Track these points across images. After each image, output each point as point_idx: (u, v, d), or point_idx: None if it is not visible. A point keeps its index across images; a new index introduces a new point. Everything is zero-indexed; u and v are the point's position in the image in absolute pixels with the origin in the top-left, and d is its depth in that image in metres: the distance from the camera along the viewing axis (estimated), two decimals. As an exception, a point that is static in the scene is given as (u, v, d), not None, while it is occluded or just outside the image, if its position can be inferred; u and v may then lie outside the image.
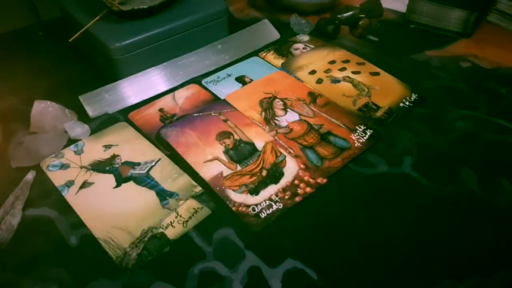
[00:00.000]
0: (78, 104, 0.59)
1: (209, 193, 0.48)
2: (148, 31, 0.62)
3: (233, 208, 0.47)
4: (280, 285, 0.40)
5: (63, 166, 0.52)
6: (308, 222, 0.46)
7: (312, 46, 0.72)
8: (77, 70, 0.68)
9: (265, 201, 0.47)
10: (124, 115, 0.59)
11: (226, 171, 0.51)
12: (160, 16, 0.65)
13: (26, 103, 0.59)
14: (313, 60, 0.69)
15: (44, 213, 0.47)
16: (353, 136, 0.55)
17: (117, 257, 0.42)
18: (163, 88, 0.63)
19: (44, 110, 0.55)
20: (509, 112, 0.59)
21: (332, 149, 0.53)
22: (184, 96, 0.62)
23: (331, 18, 0.77)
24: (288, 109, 0.59)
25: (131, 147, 0.54)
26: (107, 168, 0.51)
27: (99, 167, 0.51)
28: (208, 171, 0.51)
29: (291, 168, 0.51)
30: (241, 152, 0.53)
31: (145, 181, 0.50)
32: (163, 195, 0.48)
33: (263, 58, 0.70)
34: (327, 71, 0.67)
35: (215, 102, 0.61)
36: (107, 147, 0.54)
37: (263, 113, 0.59)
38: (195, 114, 0.59)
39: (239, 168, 0.51)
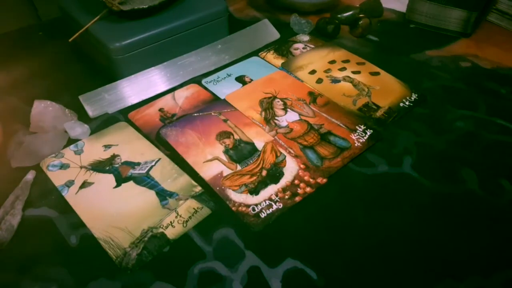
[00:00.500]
0: (78, 104, 0.59)
1: (209, 193, 0.48)
2: (148, 31, 0.62)
3: (233, 208, 0.47)
4: (280, 285, 0.40)
5: (63, 166, 0.52)
6: (308, 222, 0.46)
7: (312, 46, 0.72)
8: (77, 70, 0.68)
9: (265, 201, 0.47)
10: (124, 115, 0.59)
11: (226, 171, 0.51)
12: (160, 16, 0.65)
13: (26, 103, 0.59)
14: (313, 60, 0.69)
15: (44, 213, 0.47)
16: (353, 136, 0.55)
17: (117, 257, 0.42)
18: (163, 88, 0.63)
19: (44, 110, 0.55)
20: (509, 112, 0.59)
21: (332, 149, 0.53)
22: (184, 96, 0.62)
23: (331, 18, 0.77)
24: (288, 109, 0.59)
25: (131, 147, 0.54)
26: (107, 168, 0.51)
27: (99, 167, 0.51)
28: (208, 171, 0.51)
29: (291, 168, 0.51)
30: (241, 152, 0.53)
31: (145, 181, 0.50)
32: (163, 195, 0.48)
33: (263, 58, 0.70)
34: (327, 71, 0.67)
35: (215, 102, 0.61)
36: (107, 147, 0.54)
37: (263, 113, 0.59)
38: (195, 114, 0.59)
39: (239, 168, 0.51)
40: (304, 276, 0.41)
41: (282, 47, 0.72)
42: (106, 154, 0.53)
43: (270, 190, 0.48)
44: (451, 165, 0.52)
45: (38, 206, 0.47)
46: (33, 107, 0.54)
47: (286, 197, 0.48)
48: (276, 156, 0.52)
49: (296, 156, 0.52)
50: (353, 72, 0.66)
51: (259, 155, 0.53)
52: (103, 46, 0.60)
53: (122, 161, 0.52)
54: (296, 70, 0.67)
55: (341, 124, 0.57)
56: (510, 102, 0.61)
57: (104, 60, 0.63)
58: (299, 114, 0.59)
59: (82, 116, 0.58)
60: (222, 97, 0.62)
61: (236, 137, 0.55)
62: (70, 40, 0.62)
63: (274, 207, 0.47)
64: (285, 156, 0.52)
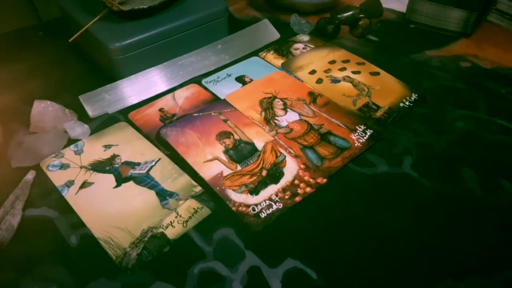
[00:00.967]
0: (78, 104, 0.59)
1: (209, 193, 0.48)
2: (148, 31, 0.62)
3: (233, 208, 0.47)
4: (280, 285, 0.40)
5: (63, 166, 0.52)
6: (308, 222, 0.46)
7: (312, 46, 0.72)
8: (77, 70, 0.68)
9: (265, 201, 0.47)
10: (124, 115, 0.59)
11: (226, 171, 0.51)
12: (160, 16, 0.65)
13: (26, 103, 0.59)
14: (313, 60, 0.69)
15: (44, 213, 0.47)
16: (353, 136, 0.55)
17: (117, 257, 0.42)
18: (163, 88, 0.63)
19: (44, 110, 0.55)
20: (509, 112, 0.59)
21: (332, 149, 0.53)
22: (184, 96, 0.62)
23: (331, 18, 0.77)
24: (288, 109, 0.59)
25: (131, 147, 0.54)
26: (107, 168, 0.51)
27: (99, 167, 0.51)
28: (208, 171, 0.51)
29: (291, 168, 0.51)
30: (241, 152, 0.53)
31: (145, 181, 0.50)
32: (163, 195, 0.48)
33: (263, 58, 0.70)
34: (327, 71, 0.67)
35: (215, 102, 0.61)
36: (107, 147, 0.54)
37: (263, 113, 0.59)
38: (195, 114, 0.59)
39: (239, 168, 0.51)
40: (304, 276, 0.41)
41: (282, 47, 0.72)
42: (106, 154, 0.53)
43: (270, 190, 0.48)
44: (451, 165, 0.52)
45: (38, 206, 0.47)
46: (33, 107, 0.54)
47: (286, 197, 0.48)
48: (276, 156, 0.52)
49: (296, 156, 0.52)
50: (353, 72, 0.66)
51: (259, 155, 0.53)
52: (103, 46, 0.60)
53: (122, 161, 0.52)
54: (296, 70, 0.67)
55: (341, 124, 0.57)
56: (510, 102, 0.61)
57: (104, 60, 0.63)
58: (299, 114, 0.59)
59: (82, 116, 0.58)
60: (222, 97, 0.62)
61: (236, 137, 0.55)
62: (70, 40, 0.62)
63: (274, 207, 0.47)
64: (285, 156, 0.52)
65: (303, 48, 0.72)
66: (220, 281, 0.41)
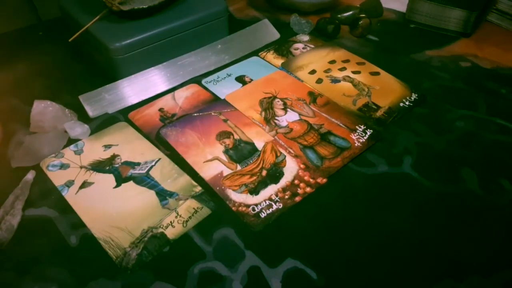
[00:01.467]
0: (78, 104, 0.59)
1: (209, 193, 0.48)
2: (148, 31, 0.62)
3: (233, 208, 0.47)
4: (280, 285, 0.40)
5: (63, 166, 0.52)
6: (308, 222, 0.46)
7: (312, 46, 0.72)
8: (77, 70, 0.68)
9: (265, 201, 0.47)
10: (124, 115, 0.59)
11: (226, 171, 0.51)
12: (160, 16, 0.65)
13: (26, 103, 0.59)
14: (313, 60, 0.69)
15: (44, 213, 0.47)
16: (353, 136, 0.55)
17: (117, 257, 0.42)
18: (163, 88, 0.63)
19: (44, 110, 0.55)
20: (509, 112, 0.59)
21: (332, 149, 0.53)
22: (184, 96, 0.62)
23: (331, 18, 0.77)
24: (288, 109, 0.59)
25: (131, 147, 0.54)
26: (107, 168, 0.51)
27: (99, 167, 0.51)
28: (208, 171, 0.51)
29: (291, 168, 0.51)
30: (241, 152, 0.53)
31: (145, 181, 0.50)
32: (163, 195, 0.48)
33: (263, 58, 0.70)
34: (327, 71, 0.67)
35: (215, 102, 0.61)
36: (107, 147, 0.54)
37: (263, 113, 0.59)
38: (195, 114, 0.59)
39: (239, 168, 0.51)
40: (304, 276, 0.41)
41: (282, 47, 0.72)
42: (106, 154, 0.53)
43: (270, 190, 0.48)
44: (451, 165, 0.52)
45: (38, 206, 0.47)
46: (33, 107, 0.54)
47: (286, 197, 0.48)
48: (276, 156, 0.52)
49: (296, 156, 0.52)
50: (353, 72, 0.66)
51: (259, 155, 0.53)
52: (103, 46, 0.60)
53: (122, 161, 0.52)
54: (296, 70, 0.67)
55: (341, 124, 0.57)
56: (510, 102, 0.61)
57: (104, 60, 0.63)
58: (299, 114, 0.59)
59: (82, 116, 0.58)
60: (222, 97, 0.62)
61: (236, 137, 0.55)
62: (70, 40, 0.62)
63: (274, 207, 0.47)
64: (285, 156, 0.52)
65: (303, 48, 0.72)
66: (220, 281, 0.41)
